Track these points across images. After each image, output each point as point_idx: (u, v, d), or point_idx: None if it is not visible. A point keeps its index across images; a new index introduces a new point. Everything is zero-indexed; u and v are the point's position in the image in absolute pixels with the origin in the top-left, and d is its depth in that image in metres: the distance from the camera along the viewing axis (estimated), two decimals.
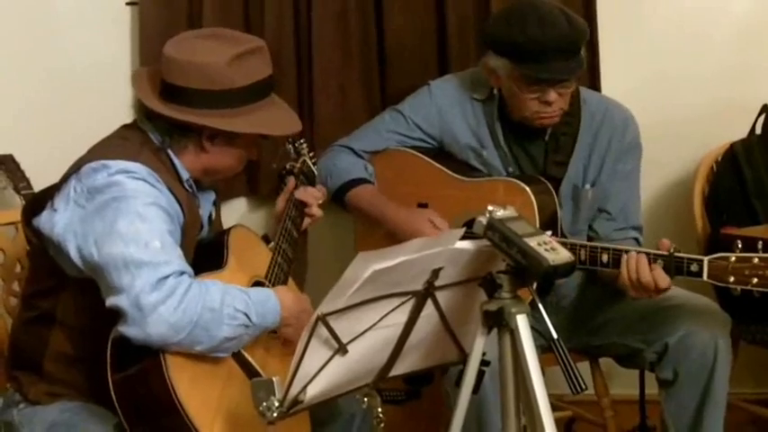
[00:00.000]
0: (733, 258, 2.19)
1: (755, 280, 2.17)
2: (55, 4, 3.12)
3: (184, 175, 2.11)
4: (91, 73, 3.07)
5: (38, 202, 2.08)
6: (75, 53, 3.11)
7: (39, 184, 2.50)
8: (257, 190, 3.16)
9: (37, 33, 3.10)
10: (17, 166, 2.86)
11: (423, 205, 2.70)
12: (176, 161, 2.10)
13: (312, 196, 2.39)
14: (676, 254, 2.26)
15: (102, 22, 3.13)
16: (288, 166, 2.46)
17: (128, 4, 3.13)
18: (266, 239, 2.33)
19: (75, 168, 2.03)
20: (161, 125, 2.08)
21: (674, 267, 2.26)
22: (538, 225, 2.46)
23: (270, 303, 2.02)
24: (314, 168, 2.49)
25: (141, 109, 2.12)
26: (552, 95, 2.48)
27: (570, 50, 2.45)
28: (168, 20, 3.04)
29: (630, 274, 2.30)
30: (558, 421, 1.83)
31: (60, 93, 3.10)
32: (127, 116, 2.17)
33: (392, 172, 2.73)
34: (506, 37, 2.46)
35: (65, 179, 2.04)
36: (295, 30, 3.10)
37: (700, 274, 2.23)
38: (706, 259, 2.22)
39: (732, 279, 2.19)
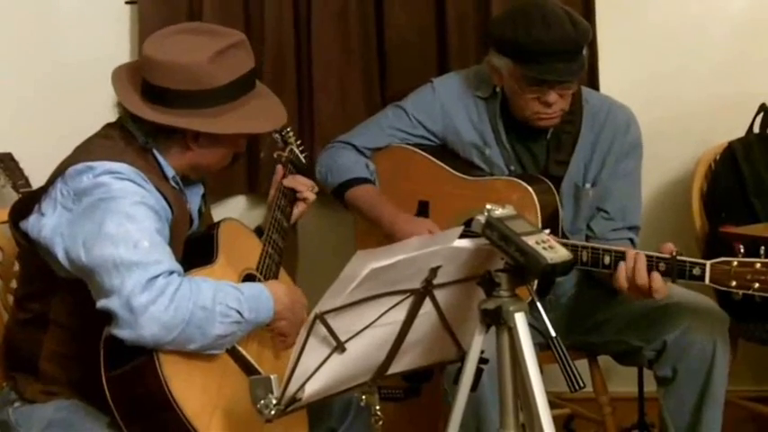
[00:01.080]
0: (735, 263, 2.19)
1: (757, 285, 2.16)
2: (55, 3, 3.12)
3: (170, 172, 2.10)
4: (90, 72, 3.06)
5: (25, 205, 2.06)
6: (74, 52, 3.11)
7: (37, 183, 2.49)
8: (256, 188, 3.16)
9: (37, 32, 3.10)
10: (16, 164, 2.86)
11: (424, 203, 2.70)
12: (161, 160, 2.09)
13: (301, 183, 2.38)
14: (679, 257, 2.26)
15: (102, 20, 3.13)
16: (275, 155, 2.44)
17: (127, 2, 3.13)
18: (260, 231, 2.32)
19: (60, 171, 2.02)
20: (144, 126, 2.07)
21: (677, 271, 2.26)
22: (540, 225, 2.46)
23: (262, 298, 2.02)
24: (301, 156, 2.47)
25: (124, 108, 2.10)
26: (553, 96, 2.49)
27: (573, 52, 2.45)
28: (168, 19, 3.02)
29: (627, 272, 2.30)
30: (556, 419, 1.83)
31: (60, 91, 3.10)
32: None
33: (394, 169, 2.73)
34: (510, 37, 2.47)
35: (50, 182, 2.03)
36: (295, 27, 3.10)
37: (702, 277, 2.23)
38: (708, 263, 2.22)
39: (734, 283, 2.19)
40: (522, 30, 2.45)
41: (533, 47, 2.43)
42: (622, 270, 2.30)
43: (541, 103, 2.50)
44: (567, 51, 2.44)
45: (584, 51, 2.49)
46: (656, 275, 2.26)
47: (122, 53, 3.12)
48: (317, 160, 2.77)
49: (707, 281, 2.22)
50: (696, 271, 2.24)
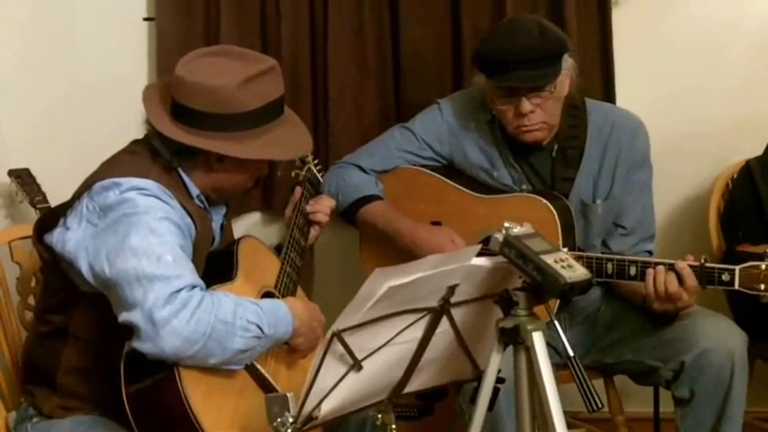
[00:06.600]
0: (763, 266, 2.25)
1: None
2: (73, 19, 3.13)
3: (194, 191, 2.12)
4: (108, 87, 3.08)
5: (49, 219, 2.08)
6: (92, 68, 3.13)
7: (55, 199, 2.51)
8: (271, 204, 3.16)
9: (54, 48, 3.12)
10: (33, 179, 2.88)
11: (436, 223, 2.68)
12: (186, 178, 2.11)
13: (325, 206, 2.39)
14: (707, 264, 2.29)
15: (120, 37, 3.14)
16: (293, 174, 2.45)
17: (145, 19, 3.14)
18: (279, 249, 2.33)
19: (86, 186, 2.04)
20: (170, 144, 2.08)
21: (706, 278, 2.29)
22: (560, 239, 2.46)
23: (281, 314, 2.03)
24: (319, 176, 2.49)
25: (151, 126, 2.12)
26: (526, 105, 2.48)
27: (537, 60, 2.46)
28: (185, 35, 3.05)
29: (658, 287, 2.31)
30: None
31: (77, 107, 3.11)
32: (143, 131, 2.17)
33: (402, 189, 2.71)
34: (479, 51, 2.53)
35: (77, 196, 2.05)
36: (311, 43, 3.10)
37: (732, 282, 2.27)
38: (738, 268, 2.26)
39: (763, 287, 2.24)
40: (487, 43, 2.52)
41: (494, 56, 2.48)
42: (651, 273, 2.32)
43: (516, 115, 2.51)
44: (531, 60, 2.45)
45: (564, 61, 2.49)
46: (683, 266, 2.29)
47: (140, 69, 3.13)
48: (324, 181, 2.76)
49: (736, 285, 2.26)
50: (725, 276, 2.28)
